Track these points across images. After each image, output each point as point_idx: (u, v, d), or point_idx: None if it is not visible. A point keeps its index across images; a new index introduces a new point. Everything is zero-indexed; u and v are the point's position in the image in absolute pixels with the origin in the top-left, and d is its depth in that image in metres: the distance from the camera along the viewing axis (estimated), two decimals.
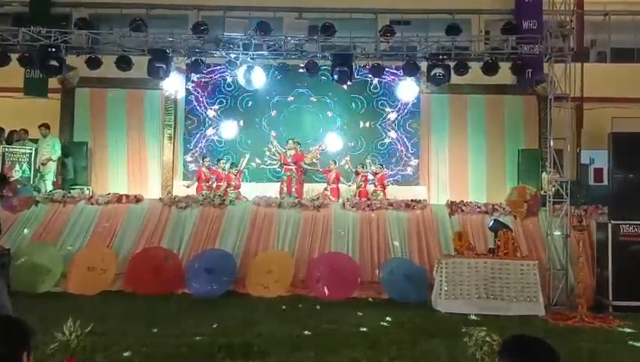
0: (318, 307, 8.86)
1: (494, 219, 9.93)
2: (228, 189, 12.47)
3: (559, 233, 9.92)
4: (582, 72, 13.20)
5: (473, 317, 8.23)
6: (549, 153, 10.27)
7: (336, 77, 11.57)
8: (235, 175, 12.88)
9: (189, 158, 14.46)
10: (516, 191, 11.12)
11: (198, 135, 14.53)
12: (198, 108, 14.57)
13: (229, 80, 14.20)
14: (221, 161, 13.27)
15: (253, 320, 7.82)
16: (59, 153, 13.04)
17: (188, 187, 13.17)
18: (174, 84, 13.31)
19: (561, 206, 10.01)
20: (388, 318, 8.10)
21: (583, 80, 13.30)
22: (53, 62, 11.14)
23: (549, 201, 10.20)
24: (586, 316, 8.39)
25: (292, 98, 14.54)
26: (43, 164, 12.76)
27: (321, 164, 13.66)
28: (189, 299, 9.36)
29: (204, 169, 13.12)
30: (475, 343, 4.70)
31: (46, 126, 12.99)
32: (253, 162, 14.02)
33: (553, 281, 9.54)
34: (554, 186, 10.23)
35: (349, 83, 12.43)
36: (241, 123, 14.47)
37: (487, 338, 4.61)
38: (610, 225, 9.41)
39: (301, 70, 12.61)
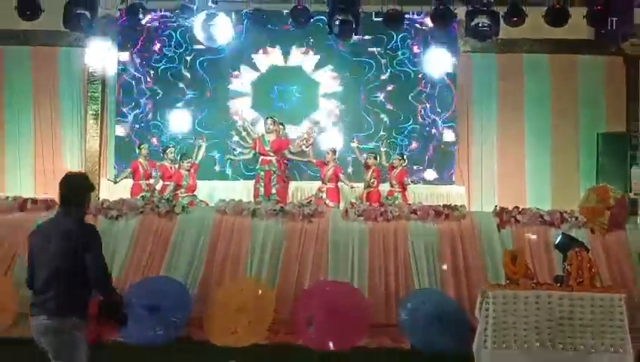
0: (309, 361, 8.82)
1: (563, 234, 9.88)
2: (178, 191, 12.41)
3: None
4: None
5: None
6: None
7: (335, 29, 11.53)
8: (188, 170, 12.81)
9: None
10: (595, 194, 11.10)
11: (136, 112, 14.49)
12: (138, 74, 14.52)
13: (183, 33, 14.15)
14: (168, 151, 13.22)
15: None
16: None
17: (116, 182, 13.16)
18: (101, 56, 13.28)
19: None
20: None
21: None
22: None
23: None
24: None
25: (272, 59, 14.51)
26: None
27: (315, 153, 13.63)
28: (122, 349, 9.28)
29: (141, 160, 13.07)
30: None
31: None
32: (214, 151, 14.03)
33: None
34: None
35: (354, 37, 12.37)
36: (199, 95, 14.44)
37: None
38: None
39: (286, 19, 12.57)
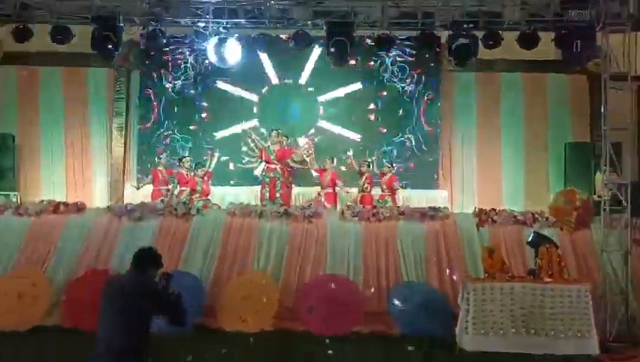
0: (310, 345, 8.84)
1: (535, 232, 9.90)
2: (193, 196, 12.41)
3: (617, 249, 9.91)
4: None
5: (509, 358, 8.21)
6: (604, 147, 10.25)
7: (332, 51, 11.56)
8: (202, 177, 12.82)
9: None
10: (563, 197, 11.12)
11: (156, 125, 14.50)
12: (157, 91, 14.53)
13: (197, 55, 14.17)
14: (184, 160, 13.22)
15: None
16: None
17: (138, 188, 13.20)
18: None
19: (619, 215, 10.01)
20: (400, 359, 8.08)
21: None
22: None
23: (605, 209, 10.18)
24: None
25: (276, 78, 14.54)
26: None
27: (314, 163, 13.66)
28: None
29: (160, 168, 13.09)
30: None
31: None
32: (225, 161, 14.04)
33: (610, 311, 9.52)
34: (610, 190, 10.22)
35: (348, 59, 12.39)
36: (211, 110, 14.47)
37: None
38: None
39: (288, 42, 12.60)
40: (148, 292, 4.89)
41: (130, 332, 4.86)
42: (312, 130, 14.40)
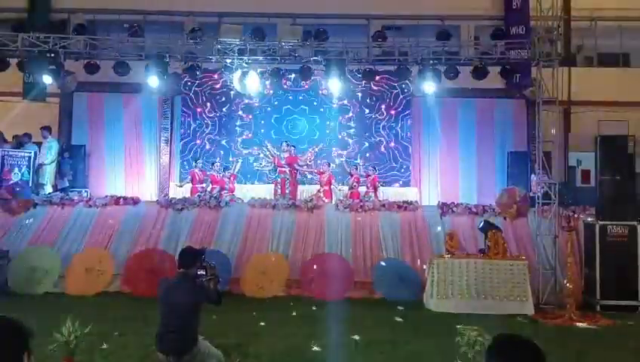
0: (311, 307, 8.84)
1: (484, 220, 9.92)
2: (222, 192, 12.40)
3: (548, 234, 9.92)
4: (569, 77, 13.24)
5: (464, 317, 8.19)
6: (538, 155, 10.29)
7: (329, 81, 11.57)
8: (229, 178, 12.84)
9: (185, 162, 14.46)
10: (506, 193, 11.13)
11: (193, 138, 14.49)
12: (195, 112, 14.53)
13: (225, 84, 14.17)
14: (215, 164, 13.19)
15: (249, 321, 7.78)
16: (54, 157, 12.97)
17: (180, 186, 13.19)
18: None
19: (549, 207, 10.02)
20: (381, 317, 8.10)
21: (570, 84, 13.35)
22: (52, 68, 11.09)
23: (538, 203, 10.21)
24: (574, 315, 8.40)
25: (286, 102, 14.54)
26: (41, 165, 12.69)
27: (315, 165, 13.68)
28: None
29: (196, 170, 13.10)
30: (467, 342, 4.69)
31: (47, 128, 12.93)
32: (246, 165, 14.03)
33: (542, 281, 9.54)
34: (542, 188, 10.24)
35: (341, 87, 12.40)
36: (236, 126, 14.47)
37: (479, 338, 4.60)
38: (597, 226, 9.44)
39: (295, 74, 12.59)
40: (195, 290, 4.67)
41: (185, 320, 4.64)
42: (314, 142, 14.37)
